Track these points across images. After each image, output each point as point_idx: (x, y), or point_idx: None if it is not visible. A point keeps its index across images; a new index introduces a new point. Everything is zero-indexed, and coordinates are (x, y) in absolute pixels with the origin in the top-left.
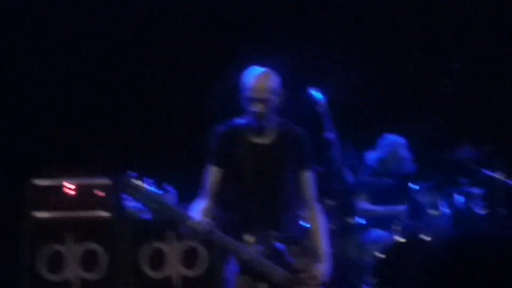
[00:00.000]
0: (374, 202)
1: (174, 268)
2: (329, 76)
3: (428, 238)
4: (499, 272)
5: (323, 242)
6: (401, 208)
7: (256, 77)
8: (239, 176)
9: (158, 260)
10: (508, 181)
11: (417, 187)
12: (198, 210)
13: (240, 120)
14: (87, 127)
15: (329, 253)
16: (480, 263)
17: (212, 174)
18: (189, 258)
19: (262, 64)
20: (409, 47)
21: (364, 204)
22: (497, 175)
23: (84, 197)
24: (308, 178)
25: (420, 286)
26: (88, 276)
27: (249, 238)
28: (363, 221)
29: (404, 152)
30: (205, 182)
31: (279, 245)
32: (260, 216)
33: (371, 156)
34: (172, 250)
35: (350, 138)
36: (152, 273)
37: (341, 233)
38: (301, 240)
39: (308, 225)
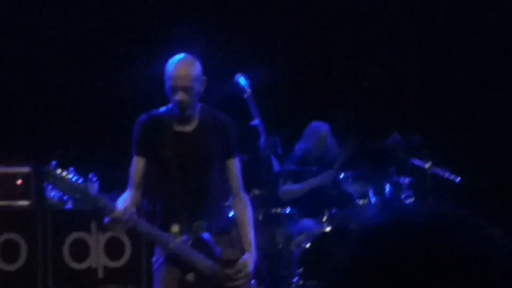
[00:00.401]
0: None
1: (98, 259)
2: (255, 63)
3: (355, 227)
4: (425, 261)
5: (249, 232)
6: (324, 175)
7: (177, 65)
8: (163, 165)
9: (81, 251)
10: (436, 170)
11: (345, 176)
12: (123, 200)
13: (163, 109)
14: (6, 114)
15: (255, 244)
16: (407, 252)
17: (137, 164)
18: (113, 248)
19: (186, 51)
20: (338, 34)
21: (286, 186)
22: (426, 165)
23: (4, 186)
24: (234, 166)
25: (347, 275)
26: (7, 267)
27: (175, 228)
28: (291, 211)
29: (329, 139)
30: (131, 173)
31: (206, 235)
32: (186, 206)
33: (298, 145)
34: (95, 240)
35: (277, 126)
36: (75, 264)
37: (268, 223)
38: (229, 230)
39: (234, 215)
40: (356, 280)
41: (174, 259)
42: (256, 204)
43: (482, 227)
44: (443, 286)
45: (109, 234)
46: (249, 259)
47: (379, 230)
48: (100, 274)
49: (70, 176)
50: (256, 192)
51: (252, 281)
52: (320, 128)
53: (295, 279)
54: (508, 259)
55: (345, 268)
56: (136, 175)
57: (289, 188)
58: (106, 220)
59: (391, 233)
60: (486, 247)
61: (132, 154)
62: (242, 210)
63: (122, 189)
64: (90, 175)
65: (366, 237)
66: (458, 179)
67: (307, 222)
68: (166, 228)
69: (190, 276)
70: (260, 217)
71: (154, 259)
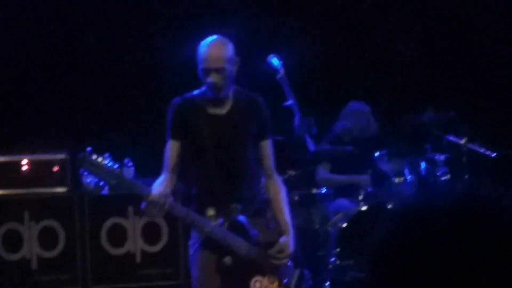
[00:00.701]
0: (337, 170)
1: (135, 244)
2: (288, 43)
3: (391, 206)
4: (461, 239)
5: (285, 214)
6: (363, 177)
7: (210, 46)
8: (198, 148)
9: (118, 236)
10: (472, 146)
11: (380, 154)
12: (159, 185)
13: (197, 92)
14: (42, 101)
15: (291, 224)
16: (444, 230)
17: (171, 148)
18: (150, 233)
19: (219, 32)
20: (371, 13)
21: (325, 174)
22: (461, 141)
23: (41, 174)
24: (268, 148)
25: (384, 254)
26: (46, 254)
27: (210, 211)
28: (327, 191)
29: (368, 119)
30: (165, 157)
31: (242, 218)
32: (221, 189)
33: (336, 124)
34: (132, 225)
35: (311, 106)
36: (113, 249)
37: (304, 203)
38: (264, 212)
39: (268, 196)
40: (393, 259)
41: (210, 243)
42: (292, 185)
43: None
44: (479, 264)
45: (146, 219)
46: (288, 240)
47: (416, 209)
48: (138, 259)
49: (105, 162)
50: (292, 172)
51: (289, 262)
52: (362, 108)
53: (332, 259)
54: None
55: (382, 247)
56: (170, 159)
57: (327, 177)
58: (143, 205)
59: (428, 211)
60: None
61: (166, 138)
62: (276, 191)
63: (157, 174)
64: (126, 161)
65: (403, 216)
66: (494, 154)
67: (343, 201)
68: (202, 211)
69: (227, 259)
70: (296, 198)
71: (190, 243)
